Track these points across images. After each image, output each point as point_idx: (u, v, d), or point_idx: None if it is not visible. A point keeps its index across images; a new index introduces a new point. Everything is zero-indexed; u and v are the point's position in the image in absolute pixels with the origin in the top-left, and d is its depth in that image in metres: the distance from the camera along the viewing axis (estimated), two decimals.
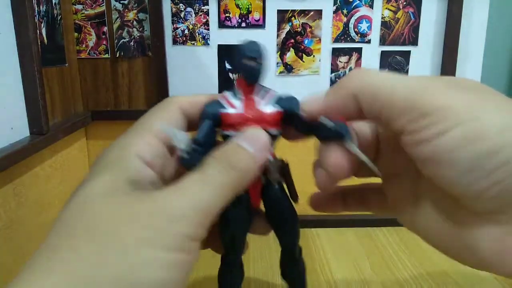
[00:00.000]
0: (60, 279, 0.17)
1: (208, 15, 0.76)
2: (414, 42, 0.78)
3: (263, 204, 0.27)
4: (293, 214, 0.27)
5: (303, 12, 0.76)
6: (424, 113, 0.19)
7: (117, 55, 0.77)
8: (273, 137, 0.24)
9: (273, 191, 0.26)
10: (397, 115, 0.20)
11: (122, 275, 0.17)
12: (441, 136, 0.18)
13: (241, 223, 0.26)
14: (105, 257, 0.17)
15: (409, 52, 0.78)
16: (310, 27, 0.77)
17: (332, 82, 0.78)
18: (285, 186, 0.27)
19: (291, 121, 0.24)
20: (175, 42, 0.77)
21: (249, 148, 0.22)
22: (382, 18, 0.77)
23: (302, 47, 0.78)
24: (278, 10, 0.76)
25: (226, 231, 0.26)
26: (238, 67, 0.24)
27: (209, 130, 0.24)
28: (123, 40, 0.77)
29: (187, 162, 0.21)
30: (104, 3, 0.75)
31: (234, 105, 0.24)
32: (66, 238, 0.18)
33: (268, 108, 0.24)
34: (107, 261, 0.17)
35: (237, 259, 0.29)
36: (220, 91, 0.80)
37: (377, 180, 0.28)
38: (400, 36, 0.78)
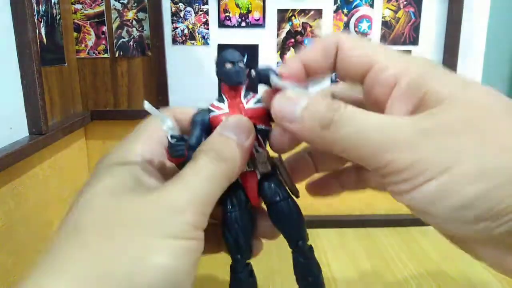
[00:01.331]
0: (72, 278, 0.17)
1: (208, 15, 0.75)
2: (414, 41, 0.78)
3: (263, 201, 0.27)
4: (291, 205, 0.26)
5: (303, 12, 0.76)
6: (393, 171, 0.18)
7: (117, 55, 0.77)
8: (261, 132, 0.25)
9: (266, 185, 0.26)
10: (371, 169, 0.19)
11: (134, 266, 0.17)
12: (417, 190, 0.18)
13: (242, 223, 0.26)
14: (114, 251, 0.17)
15: (409, 52, 0.78)
16: (311, 26, 0.77)
17: (333, 82, 0.77)
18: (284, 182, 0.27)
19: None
20: (174, 41, 0.77)
21: (230, 135, 0.22)
22: (382, 17, 0.77)
23: (303, 46, 0.78)
24: (278, 9, 0.75)
25: (228, 234, 0.26)
26: (220, 73, 0.25)
27: (200, 135, 0.25)
28: (122, 39, 0.77)
29: (174, 150, 0.22)
30: (104, 3, 0.75)
31: (220, 108, 0.25)
32: (74, 236, 0.19)
33: (251, 106, 0.25)
34: (117, 255, 0.17)
35: (244, 264, 0.27)
36: (220, 91, 0.80)
37: None
38: (400, 36, 0.78)
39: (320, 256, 0.67)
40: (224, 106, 0.25)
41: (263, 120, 0.25)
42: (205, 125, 0.25)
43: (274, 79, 0.23)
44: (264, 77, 0.23)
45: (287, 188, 0.27)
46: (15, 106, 0.56)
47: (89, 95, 0.79)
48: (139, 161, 0.23)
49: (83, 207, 0.20)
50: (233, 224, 0.25)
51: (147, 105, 0.20)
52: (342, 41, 0.23)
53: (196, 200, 0.19)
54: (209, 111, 0.26)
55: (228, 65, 0.24)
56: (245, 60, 0.25)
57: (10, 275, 0.52)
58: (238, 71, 0.25)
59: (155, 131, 0.25)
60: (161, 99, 0.77)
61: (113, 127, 0.79)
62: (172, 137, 0.21)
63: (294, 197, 0.27)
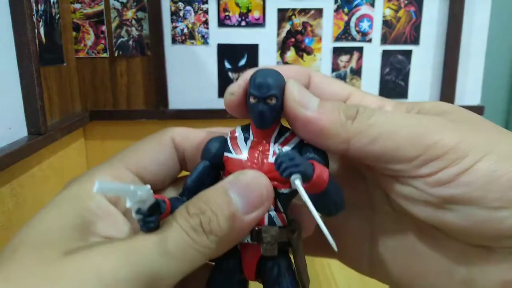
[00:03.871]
0: None
1: (207, 14, 0.75)
2: (415, 41, 0.77)
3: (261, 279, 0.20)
4: None
5: (304, 11, 0.76)
6: (440, 153, 0.17)
7: (116, 54, 0.77)
8: (283, 196, 0.18)
9: (269, 265, 0.19)
10: (406, 159, 0.17)
11: None
12: (466, 174, 0.16)
13: None
14: None
15: (410, 51, 0.78)
16: (311, 26, 0.76)
17: None
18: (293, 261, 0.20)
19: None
20: (174, 41, 0.76)
21: (237, 201, 0.17)
22: (383, 16, 0.76)
23: (303, 46, 0.77)
24: (278, 9, 0.75)
25: None
26: (247, 102, 0.18)
27: (203, 174, 0.19)
28: (121, 39, 0.76)
29: (142, 226, 0.16)
30: (103, 2, 0.75)
31: (240, 150, 0.19)
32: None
33: None
34: None
35: None
36: (220, 90, 0.80)
37: None
38: (401, 35, 0.77)
39: None
40: (245, 149, 0.19)
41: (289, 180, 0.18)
42: (215, 163, 0.19)
43: (297, 185, 0.16)
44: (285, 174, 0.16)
45: (295, 275, 0.20)
46: (14, 106, 0.56)
47: (88, 95, 0.78)
48: (96, 199, 0.18)
49: (10, 250, 0.17)
50: None
51: (98, 186, 0.14)
52: (313, 74, 0.21)
53: (139, 277, 0.15)
54: (227, 144, 0.19)
55: (252, 100, 0.17)
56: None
57: None
58: (263, 113, 0.17)
59: (134, 159, 0.20)
60: (160, 99, 0.76)
61: (112, 127, 0.79)
62: (138, 212, 0.15)
63: None
